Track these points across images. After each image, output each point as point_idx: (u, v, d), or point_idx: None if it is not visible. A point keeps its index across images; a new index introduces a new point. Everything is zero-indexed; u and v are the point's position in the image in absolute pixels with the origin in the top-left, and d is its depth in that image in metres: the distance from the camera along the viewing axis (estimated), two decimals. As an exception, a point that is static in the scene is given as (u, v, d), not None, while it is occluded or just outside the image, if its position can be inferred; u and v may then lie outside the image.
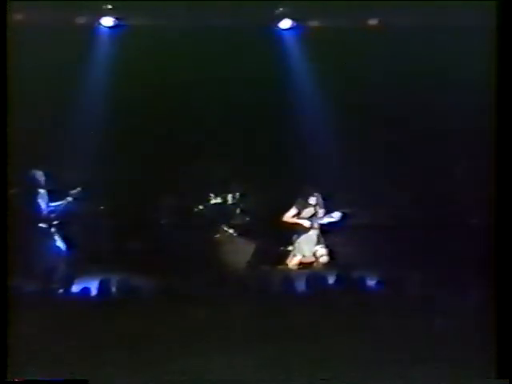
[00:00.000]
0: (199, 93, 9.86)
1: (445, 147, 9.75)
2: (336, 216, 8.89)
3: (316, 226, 8.96)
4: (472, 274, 6.43)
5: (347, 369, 4.79)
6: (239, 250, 9.30)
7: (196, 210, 10.05)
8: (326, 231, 9.05)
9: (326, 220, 8.93)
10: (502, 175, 5.32)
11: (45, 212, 8.41)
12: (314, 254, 8.94)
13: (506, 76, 5.29)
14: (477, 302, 5.43)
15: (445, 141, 9.70)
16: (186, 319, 5.57)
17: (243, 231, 9.74)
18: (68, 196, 8.53)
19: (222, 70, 9.84)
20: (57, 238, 8.53)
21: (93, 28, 9.90)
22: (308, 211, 8.98)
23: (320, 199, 8.99)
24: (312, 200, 8.93)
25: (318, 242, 8.93)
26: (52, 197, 8.57)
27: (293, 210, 8.94)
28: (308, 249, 8.91)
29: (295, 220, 8.93)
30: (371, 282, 6.72)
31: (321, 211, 8.98)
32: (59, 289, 6.71)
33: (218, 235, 9.80)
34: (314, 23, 9.77)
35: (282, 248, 9.09)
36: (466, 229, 9.13)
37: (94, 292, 6.33)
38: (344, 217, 8.91)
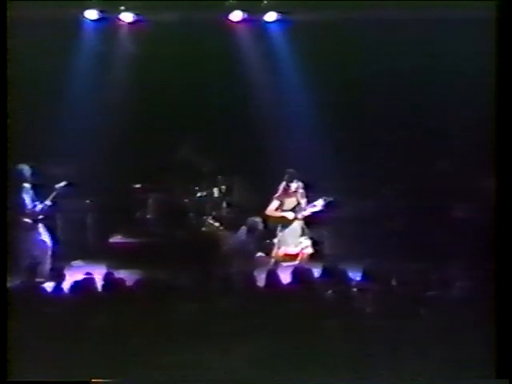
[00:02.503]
0: (186, 86, 9.80)
1: (435, 137, 9.73)
2: (319, 204, 8.78)
3: (300, 217, 8.88)
4: (471, 272, 6.26)
5: (341, 366, 4.78)
6: (224, 243, 9.26)
7: (182, 203, 10.02)
8: (310, 222, 8.95)
9: (309, 210, 8.82)
10: (497, 167, 5.41)
11: (30, 207, 8.31)
12: (299, 246, 8.87)
13: (506, 72, 5.39)
14: (476, 302, 5.34)
15: (435, 130, 9.68)
16: (173, 314, 5.51)
17: (229, 224, 9.72)
18: (54, 191, 8.44)
19: (207, 63, 9.79)
20: (42, 232, 8.44)
21: (77, 21, 9.84)
22: (290, 202, 8.87)
23: (302, 189, 8.88)
24: (293, 187, 8.87)
25: (303, 234, 8.85)
26: (37, 191, 8.49)
27: (274, 203, 8.84)
28: (292, 241, 8.82)
29: (279, 213, 8.85)
30: (358, 274, 6.62)
31: (303, 201, 8.88)
32: (45, 284, 6.62)
33: (203, 228, 9.79)
34: (300, 16, 9.73)
35: (267, 241, 8.99)
36: (461, 222, 9.14)
37: (80, 287, 6.23)
38: (327, 204, 8.81)
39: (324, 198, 8.81)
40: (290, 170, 8.85)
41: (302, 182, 8.89)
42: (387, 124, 9.81)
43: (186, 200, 10.05)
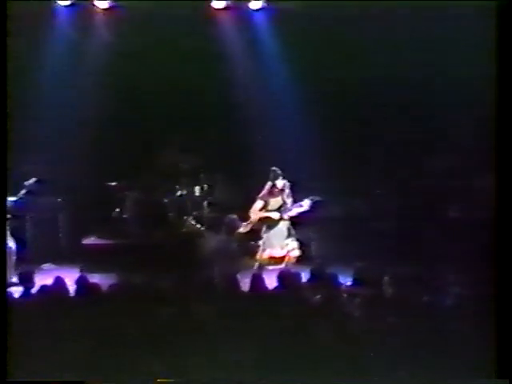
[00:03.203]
0: (165, 78, 9.77)
1: (428, 134, 9.80)
2: (305, 204, 8.72)
3: (286, 217, 8.82)
4: (470, 272, 6.52)
5: (333, 375, 4.88)
6: (206, 244, 9.21)
7: (161, 202, 9.99)
8: (297, 223, 8.90)
9: (295, 211, 8.78)
10: (496, 166, 5.73)
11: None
12: (285, 248, 8.80)
13: (507, 69, 5.73)
14: (476, 302, 5.54)
15: (429, 127, 9.76)
16: (151, 321, 5.47)
17: (211, 225, 9.69)
18: (23, 188, 8.35)
19: (187, 54, 9.76)
20: (9, 234, 8.32)
21: (49, 7, 9.73)
22: (275, 202, 8.82)
23: (288, 188, 8.81)
24: (278, 186, 8.79)
25: (289, 235, 8.81)
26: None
27: (259, 203, 8.78)
28: (278, 243, 8.78)
29: (263, 213, 8.79)
30: (348, 278, 6.60)
31: (289, 201, 8.83)
32: (12, 289, 6.53)
33: (184, 229, 9.76)
34: (286, 4, 9.73)
35: (252, 243, 8.98)
36: (457, 222, 9.19)
37: (50, 293, 6.11)
38: (314, 204, 8.74)
39: (311, 197, 8.76)
40: (275, 169, 8.80)
41: (288, 180, 8.82)
42: (378, 120, 9.84)
43: (166, 199, 10.03)
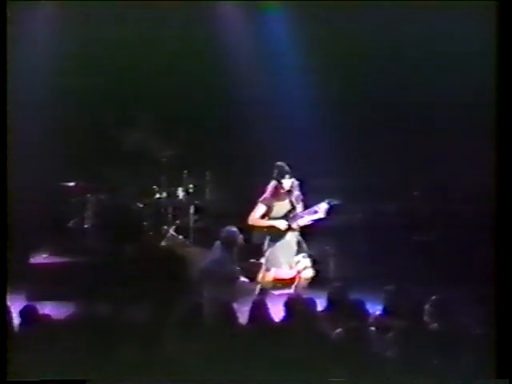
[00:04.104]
0: (150, 62, 10.27)
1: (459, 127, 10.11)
2: (321, 209, 8.62)
3: (295, 227, 8.74)
4: (472, 273, 7.74)
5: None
6: (192, 263, 9.20)
7: (134, 208, 10.03)
8: (310, 234, 8.83)
9: (307, 218, 8.69)
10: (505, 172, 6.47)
11: None
12: (295, 267, 8.72)
13: (506, 72, 6.51)
14: (477, 302, 6.35)
15: (457, 119, 10.18)
16: (120, 363, 5.47)
17: (199, 237, 9.69)
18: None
19: (187, 45, 10.21)
20: None
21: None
22: (281, 206, 8.75)
23: (297, 190, 8.75)
24: (285, 187, 8.74)
25: (299, 250, 8.73)
26: None
27: (260, 208, 8.71)
28: (285, 260, 8.70)
29: (266, 222, 8.74)
30: (377, 306, 6.69)
31: (299, 205, 8.76)
32: None
33: (163, 243, 9.78)
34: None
35: (251, 260, 8.96)
36: (465, 225, 9.55)
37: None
38: (331, 210, 8.64)
39: (328, 200, 8.69)
40: (281, 164, 8.75)
41: (298, 179, 8.74)
42: (406, 110, 10.19)
43: (140, 204, 10.06)
